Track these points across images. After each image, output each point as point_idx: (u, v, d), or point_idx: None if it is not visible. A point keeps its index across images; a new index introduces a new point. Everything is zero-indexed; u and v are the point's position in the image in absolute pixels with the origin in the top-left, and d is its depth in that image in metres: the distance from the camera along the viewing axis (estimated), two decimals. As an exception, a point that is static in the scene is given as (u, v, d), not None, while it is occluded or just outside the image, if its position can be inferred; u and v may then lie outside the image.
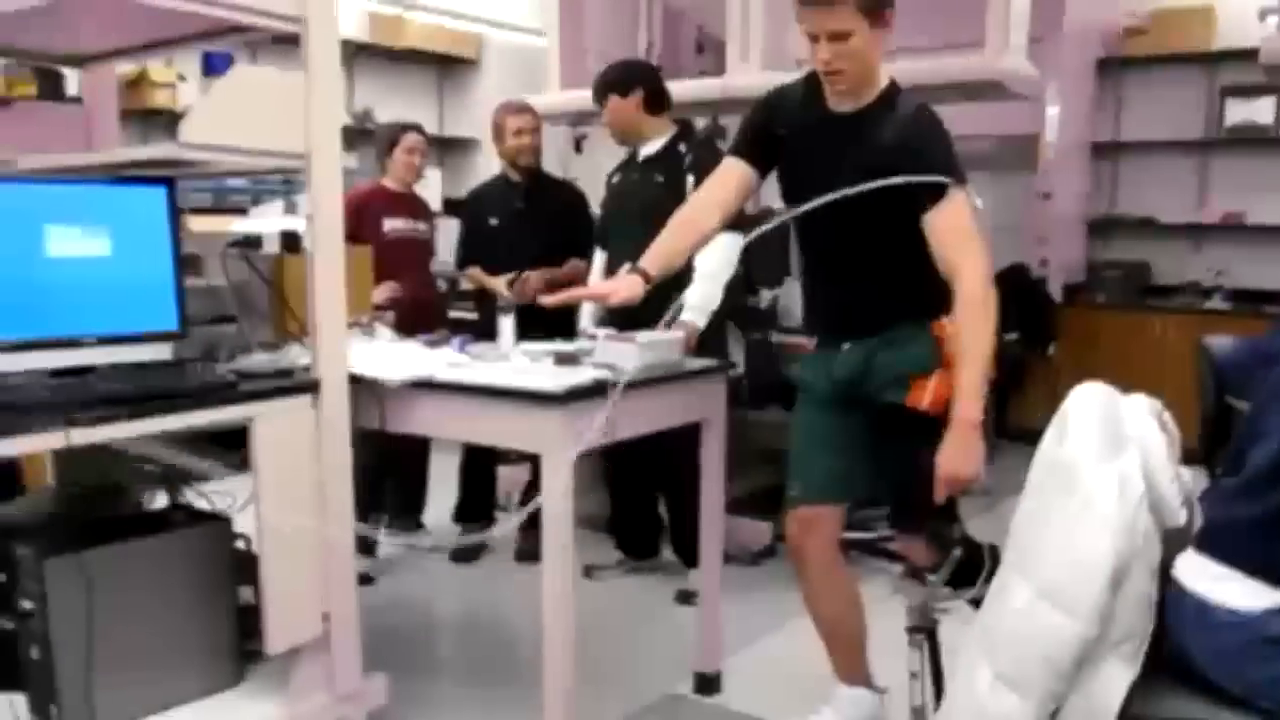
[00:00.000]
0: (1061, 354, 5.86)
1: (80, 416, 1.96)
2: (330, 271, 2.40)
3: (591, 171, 4.26)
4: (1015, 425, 6.09)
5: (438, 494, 4.45)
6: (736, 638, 3.17)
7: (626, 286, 2.47)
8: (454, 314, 4.65)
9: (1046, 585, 1.67)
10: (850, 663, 2.63)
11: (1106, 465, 1.68)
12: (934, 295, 2.35)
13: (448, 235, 4.63)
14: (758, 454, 4.16)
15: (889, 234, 2.37)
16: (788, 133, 2.50)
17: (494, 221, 4.14)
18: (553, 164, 4.46)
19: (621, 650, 3.30)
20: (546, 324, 3.31)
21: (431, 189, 5.89)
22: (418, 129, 4.23)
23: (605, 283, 2.68)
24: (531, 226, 4.06)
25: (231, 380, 2.27)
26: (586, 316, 3.84)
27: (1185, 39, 6.01)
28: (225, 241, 2.53)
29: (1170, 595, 1.70)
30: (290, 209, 3.73)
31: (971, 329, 2.28)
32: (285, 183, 5.31)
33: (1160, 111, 6.19)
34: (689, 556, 3.81)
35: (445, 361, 2.66)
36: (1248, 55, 5.70)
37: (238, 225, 2.80)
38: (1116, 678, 1.65)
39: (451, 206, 6.02)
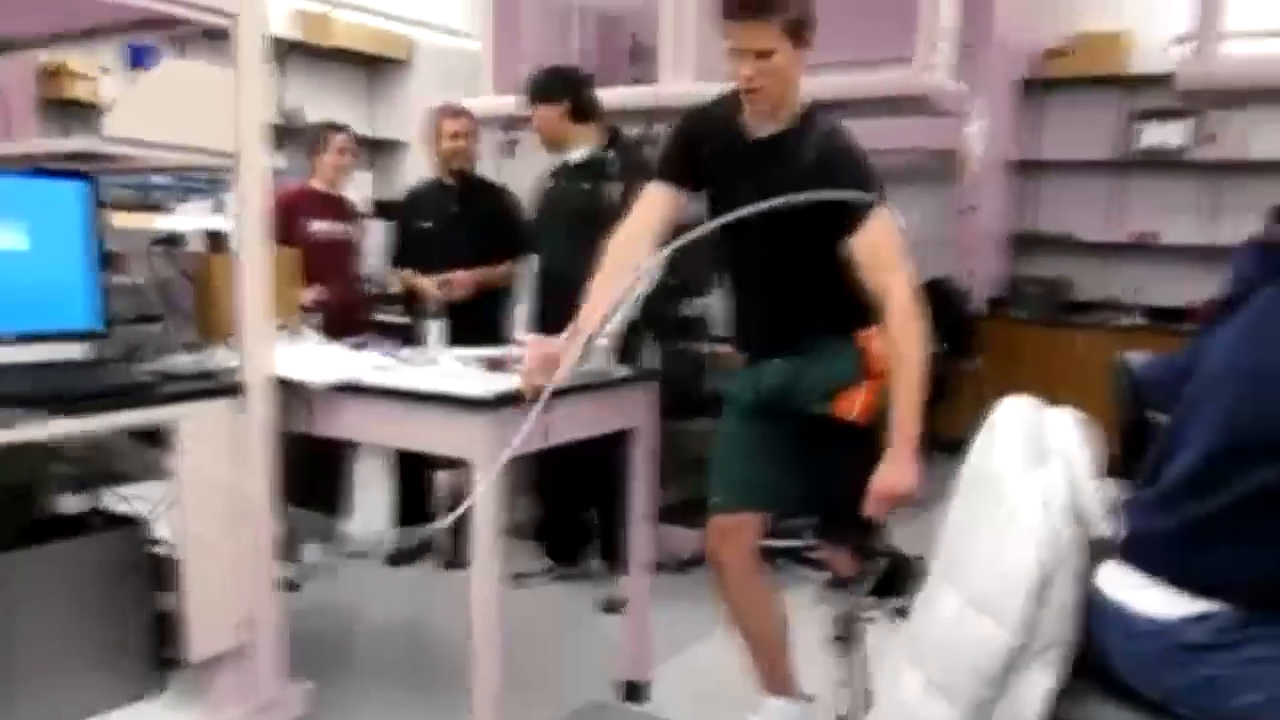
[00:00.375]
0: (984, 366, 5.97)
1: (-4, 417, 1.90)
2: (257, 272, 2.36)
3: (524, 176, 4.24)
4: (941, 435, 6.20)
5: (362, 498, 4.41)
6: (664, 646, 3.15)
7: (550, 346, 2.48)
8: (380, 317, 4.59)
9: (974, 594, 1.70)
10: (774, 672, 2.63)
11: (1030, 476, 1.71)
12: (856, 308, 2.36)
13: (376, 237, 4.58)
14: (688, 463, 4.16)
15: (811, 255, 2.37)
16: (709, 153, 2.49)
17: (427, 224, 4.11)
18: (485, 168, 4.43)
19: (548, 657, 3.27)
20: (478, 330, 3.30)
21: (361, 191, 5.81)
22: (347, 130, 4.17)
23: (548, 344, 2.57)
24: (465, 230, 4.04)
25: (151, 381, 2.21)
26: (521, 326, 3.84)
27: (1103, 62, 6.18)
28: (149, 239, 2.46)
29: (1093, 603, 1.74)
30: (217, 208, 3.65)
31: (905, 347, 2.30)
32: (210, 181, 5.19)
33: (1078, 132, 6.37)
34: (617, 563, 3.82)
35: (371, 364, 2.63)
36: (1161, 81, 5.89)
37: (162, 222, 2.73)
38: (1040, 684, 1.69)
39: (381, 209, 5.94)
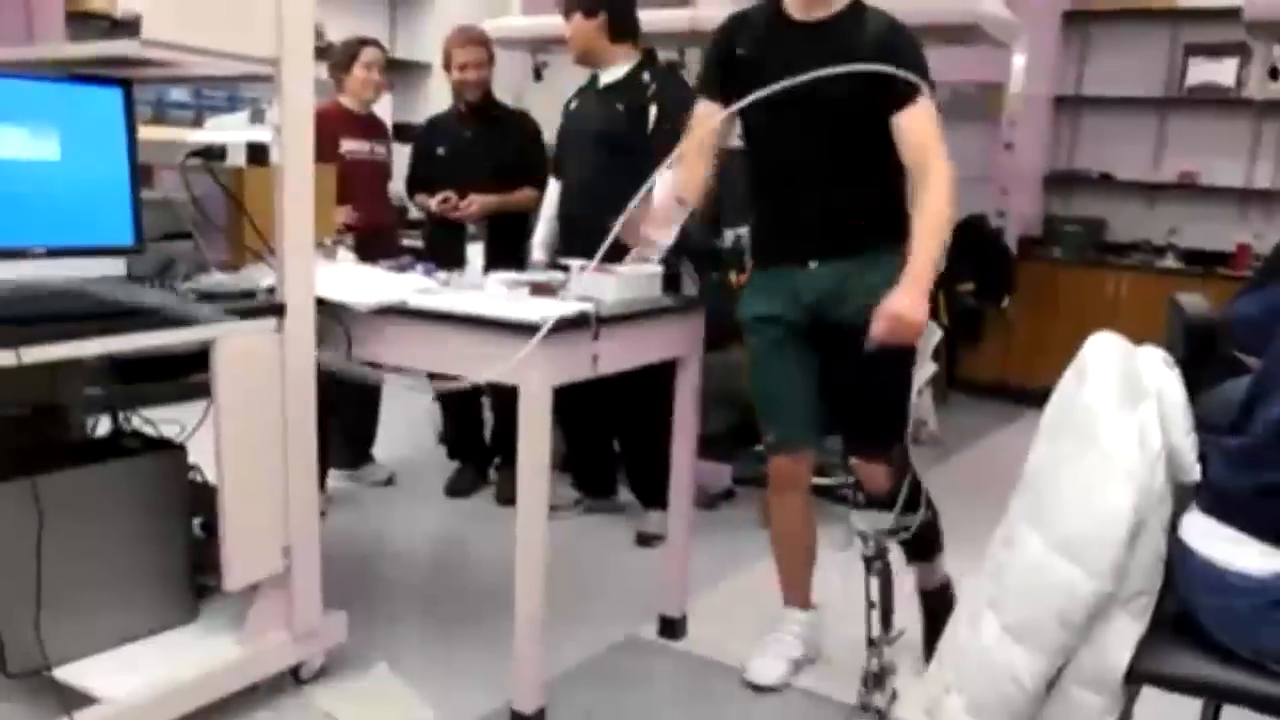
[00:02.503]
0: (1016, 307, 5.88)
1: (33, 333, 1.81)
2: (300, 187, 2.25)
3: (552, 99, 4.10)
4: (966, 377, 6.12)
5: (389, 426, 4.36)
6: (695, 581, 3.09)
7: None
8: (404, 242, 4.49)
9: (1061, 538, 1.62)
10: (801, 587, 2.77)
11: (1126, 415, 1.63)
12: (905, 216, 2.37)
13: (402, 161, 4.48)
14: (717, 396, 4.09)
15: (862, 141, 2.39)
16: (749, 51, 2.48)
17: (441, 150, 4.03)
18: (509, 92, 4.29)
19: (581, 590, 3.22)
20: (502, 256, 3.20)
21: (382, 113, 5.67)
22: (377, 44, 4.03)
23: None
24: (479, 156, 3.94)
25: (190, 299, 2.12)
26: (538, 248, 3.73)
27: (1152, -5, 5.98)
28: (185, 151, 2.36)
29: (1176, 554, 1.66)
30: (256, 118, 3.51)
31: (937, 198, 2.31)
32: (229, 99, 5.07)
33: (1123, 67, 6.18)
34: (647, 497, 3.75)
35: (414, 288, 2.53)
36: (1214, 15, 5.72)
37: (198, 134, 2.62)
38: (1126, 633, 1.62)
39: (400, 132, 5.80)
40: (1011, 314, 5.88)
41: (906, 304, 2.27)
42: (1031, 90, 6.01)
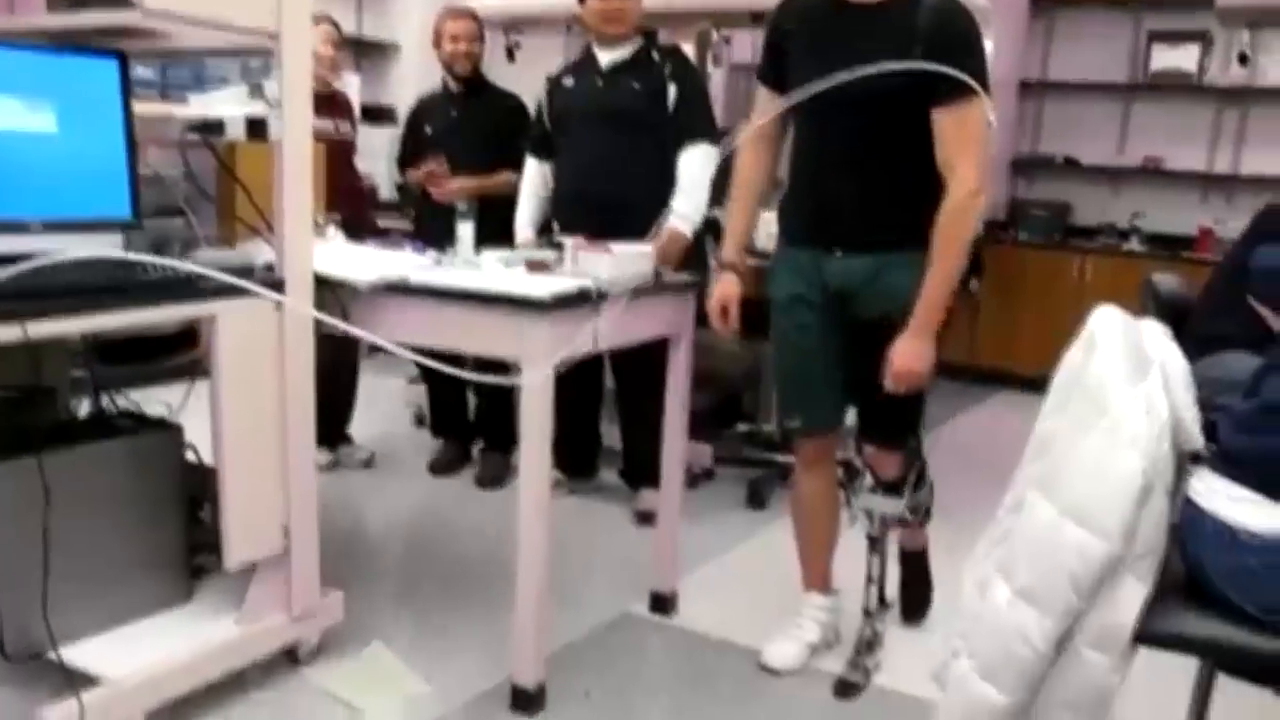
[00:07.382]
0: (982, 290, 5.94)
1: (41, 307, 1.78)
2: (299, 162, 2.24)
3: (524, 80, 4.08)
4: (935, 358, 6.19)
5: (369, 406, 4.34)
6: (681, 558, 3.10)
7: (729, 286, 2.58)
8: (380, 223, 4.48)
9: (1072, 503, 1.66)
10: (822, 570, 2.75)
11: (1134, 387, 1.67)
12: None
13: (367, 142, 4.46)
14: (698, 374, 4.11)
15: (903, 134, 2.29)
16: (796, 29, 2.43)
17: (429, 129, 4.01)
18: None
19: (570, 569, 3.23)
20: (487, 238, 3.20)
21: (349, 94, 5.62)
22: (329, 19, 3.99)
23: (717, 295, 2.61)
24: (465, 137, 3.92)
25: (194, 275, 2.09)
26: (526, 227, 3.70)
27: (1116, -19, 6.07)
28: (176, 126, 2.33)
29: (1185, 515, 1.71)
30: (254, 93, 3.45)
31: (949, 235, 2.27)
32: (195, 77, 4.99)
33: (1087, 53, 6.27)
34: (638, 477, 3.75)
35: (412, 265, 2.52)
36: (1175, 3, 5.82)
37: (193, 109, 2.58)
38: (1133, 594, 1.66)
39: (368, 114, 5.76)
40: (979, 296, 5.95)
41: (914, 356, 2.30)
42: (997, 75, 6.05)
